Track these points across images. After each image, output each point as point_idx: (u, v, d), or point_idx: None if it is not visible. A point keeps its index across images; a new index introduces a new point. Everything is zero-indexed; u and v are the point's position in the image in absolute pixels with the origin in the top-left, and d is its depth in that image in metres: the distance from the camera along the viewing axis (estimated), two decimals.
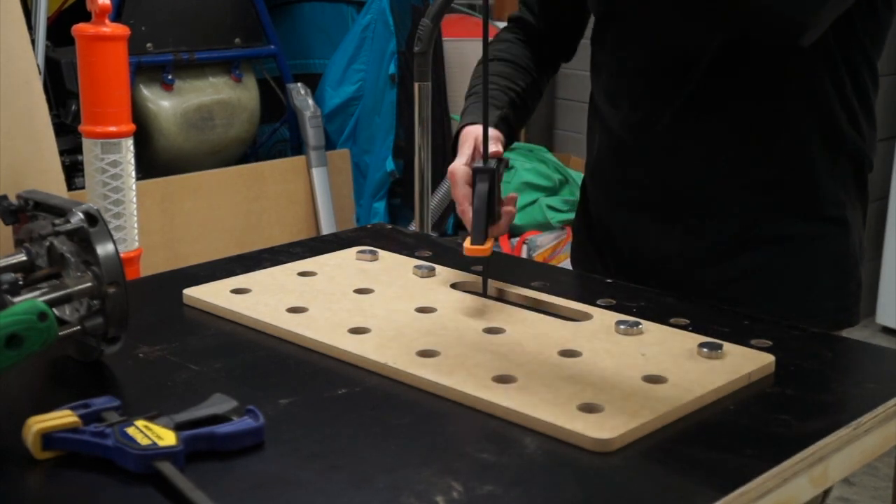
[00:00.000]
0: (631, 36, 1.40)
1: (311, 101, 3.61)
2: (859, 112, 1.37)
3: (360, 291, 1.29)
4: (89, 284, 1.04)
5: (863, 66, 1.35)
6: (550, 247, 3.40)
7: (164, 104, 3.36)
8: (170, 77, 3.36)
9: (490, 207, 1.23)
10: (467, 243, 1.22)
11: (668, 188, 1.40)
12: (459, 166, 1.32)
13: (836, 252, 1.39)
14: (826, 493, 1.22)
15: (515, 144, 3.79)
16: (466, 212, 1.28)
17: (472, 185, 1.27)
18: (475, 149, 1.33)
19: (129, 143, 2.43)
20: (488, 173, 1.24)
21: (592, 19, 1.50)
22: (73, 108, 3.08)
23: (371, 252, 1.42)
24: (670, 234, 1.41)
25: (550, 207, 3.54)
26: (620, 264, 1.47)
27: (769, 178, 1.36)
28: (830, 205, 1.38)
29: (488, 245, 1.22)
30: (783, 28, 1.22)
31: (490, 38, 1.57)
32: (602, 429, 0.94)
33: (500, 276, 1.31)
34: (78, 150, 2.85)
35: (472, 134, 1.35)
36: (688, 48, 1.34)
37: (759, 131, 1.35)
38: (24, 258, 1.09)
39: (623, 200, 1.46)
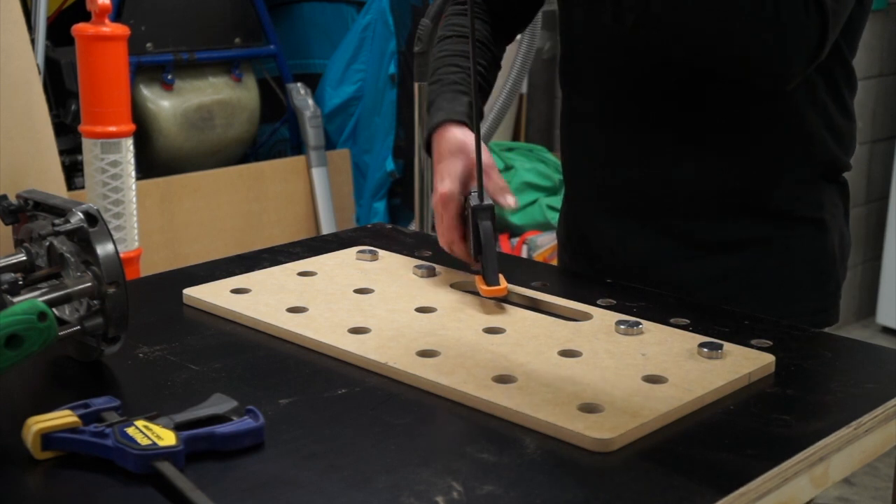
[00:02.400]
0: (600, 44, 1.39)
1: (311, 101, 3.60)
2: (835, 113, 1.36)
3: (360, 291, 1.29)
4: (89, 284, 1.04)
5: (836, 67, 1.33)
6: (550, 247, 3.40)
7: (164, 104, 3.36)
8: (170, 77, 3.36)
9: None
10: (482, 284, 1.24)
11: (642, 194, 1.39)
12: (455, 194, 1.29)
13: (814, 253, 1.38)
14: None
15: (515, 144, 3.79)
16: (455, 244, 1.30)
17: (464, 219, 1.29)
18: (469, 174, 1.29)
19: (129, 143, 2.43)
20: (489, 210, 1.25)
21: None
22: (73, 108, 3.08)
23: (371, 252, 1.42)
24: (646, 238, 1.40)
25: (550, 207, 3.54)
26: (598, 269, 1.46)
27: (744, 183, 1.35)
28: (807, 206, 1.37)
29: (504, 284, 1.24)
30: (770, 77, 1.24)
31: (450, 12, 1.54)
32: (602, 429, 0.94)
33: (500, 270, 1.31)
34: (78, 150, 2.85)
35: (457, 144, 1.31)
36: (655, 59, 1.33)
37: (733, 140, 1.34)
38: (24, 258, 1.09)
39: (598, 204, 1.45)
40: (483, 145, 1.30)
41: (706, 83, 1.31)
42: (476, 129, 1.28)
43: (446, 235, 1.31)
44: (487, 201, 1.26)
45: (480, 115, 1.39)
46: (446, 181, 1.30)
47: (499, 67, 1.53)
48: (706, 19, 1.19)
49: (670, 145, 1.36)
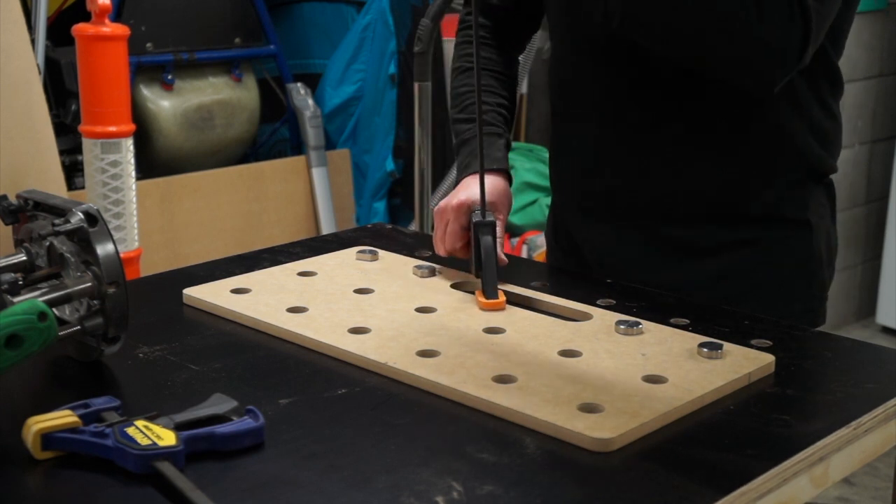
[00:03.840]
0: (590, 45, 1.39)
1: (311, 101, 3.60)
2: (818, 115, 1.35)
3: (360, 291, 1.29)
4: (89, 284, 1.04)
5: (819, 69, 1.32)
6: None
7: (164, 104, 3.36)
8: (170, 77, 3.36)
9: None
10: (481, 298, 1.25)
11: (628, 196, 1.39)
12: (470, 208, 1.32)
13: (800, 254, 1.38)
14: None
15: (515, 144, 3.79)
16: (458, 252, 1.34)
17: (465, 231, 1.32)
18: (472, 205, 1.33)
19: (129, 143, 2.43)
20: (490, 226, 1.28)
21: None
22: (73, 108, 3.08)
23: (371, 252, 1.42)
24: (633, 242, 1.40)
25: None
26: (587, 271, 1.46)
27: (729, 186, 1.35)
28: (793, 208, 1.36)
29: (502, 298, 1.25)
30: (753, 79, 1.24)
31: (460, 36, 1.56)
32: (602, 429, 0.94)
33: (500, 276, 1.31)
34: (78, 150, 2.85)
35: (490, 181, 1.35)
36: (645, 64, 1.33)
37: (717, 143, 1.34)
38: (24, 258, 1.09)
39: (584, 207, 1.45)
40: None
41: (692, 86, 1.31)
42: (479, 140, 1.29)
43: (450, 242, 1.33)
44: (489, 217, 1.28)
45: (508, 146, 1.45)
46: (468, 193, 1.34)
47: (518, 85, 1.55)
48: (690, 21, 1.19)
49: (657, 149, 1.36)
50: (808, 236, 1.38)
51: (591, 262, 1.45)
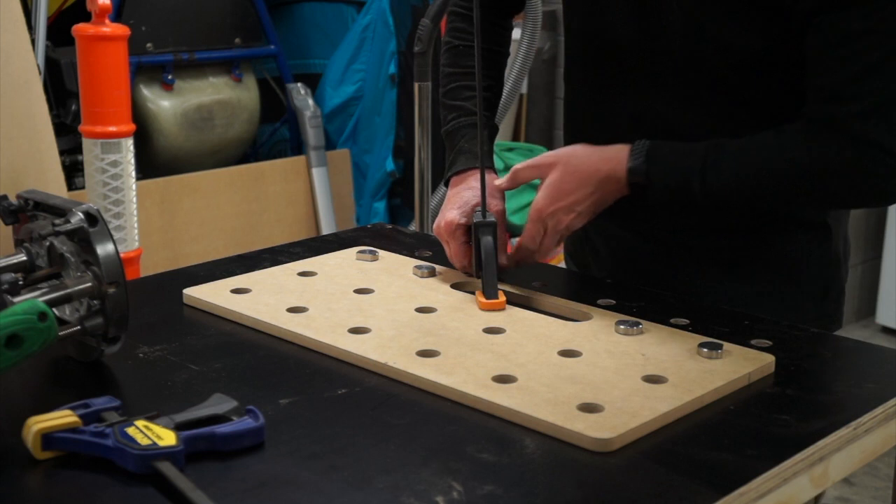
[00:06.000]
0: (601, 54, 1.38)
1: (311, 101, 3.60)
2: None
3: (360, 291, 1.29)
4: (89, 284, 1.04)
5: None
6: None
7: (164, 104, 3.36)
8: (170, 77, 3.36)
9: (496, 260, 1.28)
10: (481, 298, 1.25)
11: (638, 201, 1.38)
12: (460, 223, 1.32)
13: (818, 258, 1.37)
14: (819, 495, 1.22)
15: (515, 144, 3.79)
16: (468, 268, 1.33)
17: (469, 240, 1.31)
18: (477, 204, 1.32)
19: (129, 143, 2.43)
20: (490, 227, 1.28)
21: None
22: (73, 108, 3.08)
23: (371, 252, 1.42)
24: (646, 240, 1.40)
25: None
26: (606, 270, 1.46)
27: None
28: (812, 211, 1.36)
29: (502, 298, 1.25)
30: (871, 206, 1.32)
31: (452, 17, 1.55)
32: (602, 429, 0.94)
33: (500, 276, 1.31)
34: (78, 150, 2.85)
35: (472, 185, 1.34)
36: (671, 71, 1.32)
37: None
38: (24, 258, 1.09)
39: (605, 213, 1.44)
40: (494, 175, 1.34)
41: (719, 101, 1.29)
42: (479, 144, 1.28)
43: (458, 260, 1.33)
44: (490, 218, 1.28)
45: (495, 131, 1.44)
46: (454, 210, 1.33)
47: (507, 56, 1.53)
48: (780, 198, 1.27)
49: None
50: (827, 239, 1.37)
51: (594, 261, 1.45)
